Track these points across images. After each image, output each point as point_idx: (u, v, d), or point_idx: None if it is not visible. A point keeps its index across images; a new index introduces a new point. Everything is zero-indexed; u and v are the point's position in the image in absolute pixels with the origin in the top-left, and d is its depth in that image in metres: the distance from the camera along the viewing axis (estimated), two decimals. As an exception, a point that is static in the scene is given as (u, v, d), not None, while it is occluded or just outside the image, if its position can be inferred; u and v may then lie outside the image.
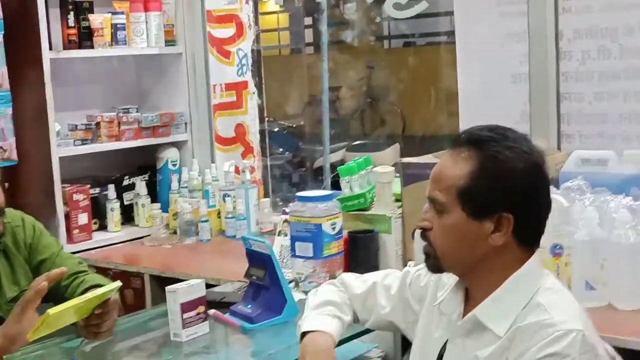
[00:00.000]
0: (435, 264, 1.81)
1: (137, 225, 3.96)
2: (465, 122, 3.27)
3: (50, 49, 3.57)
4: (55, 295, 2.49)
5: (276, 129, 7.54)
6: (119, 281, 2.26)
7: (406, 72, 8.76)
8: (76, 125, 3.77)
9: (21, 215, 2.59)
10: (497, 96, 3.14)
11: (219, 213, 3.83)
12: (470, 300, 1.83)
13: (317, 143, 7.03)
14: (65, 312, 2.06)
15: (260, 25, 7.36)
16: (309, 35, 10.09)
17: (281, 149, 7.41)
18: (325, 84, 5.01)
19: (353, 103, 9.20)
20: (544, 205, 1.78)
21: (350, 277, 2.17)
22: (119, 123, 3.87)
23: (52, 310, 2.01)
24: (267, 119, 4.78)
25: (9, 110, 3.49)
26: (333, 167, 6.65)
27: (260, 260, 2.43)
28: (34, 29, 3.48)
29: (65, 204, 3.62)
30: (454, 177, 1.74)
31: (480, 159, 1.73)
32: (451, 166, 1.75)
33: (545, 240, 2.28)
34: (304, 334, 1.97)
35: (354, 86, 9.07)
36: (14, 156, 3.53)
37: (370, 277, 2.14)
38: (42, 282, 2.04)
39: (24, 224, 2.56)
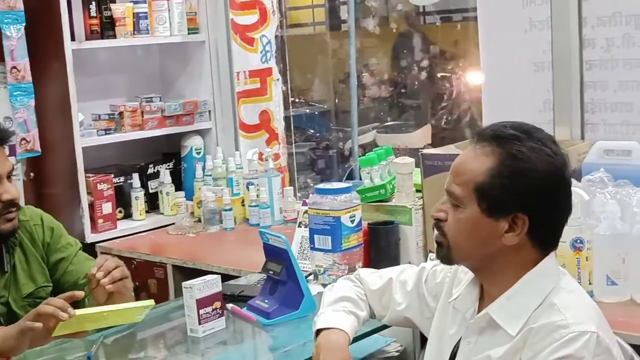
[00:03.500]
0: (446, 255, 1.80)
1: (162, 214, 3.98)
2: (488, 110, 3.23)
3: (73, 39, 3.58)
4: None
5: (306, 110, 7.51)
6: (152, 301, 2.25)
7: (437, 50, 8.66)
8: (99, 115, 3.78)
9: (40, 214, 2.60)
10: (520, 84, 3.09)
11: (242, 201, 3.84)
12: (485, 297, 1.82)
13: (347, 124, 6.99)
14: (90, 317, 2.09)
15: (290, 2, 7.32)
16: (344, 13, 9.98)
17: (311, 131, 7.38)
18: (353, 63, 4.96)
19: (383, 83, 9.14)
20: (563, 210, 1.75)
21: (366, 273, 2.17)
22: (142, 112, 3.88)
23: (79, 312, 2.04)
24: (294, 100, 4.75)
25: (32, 102, 3.51)
26: (364, 148, 6.64)
27: (277, 255, 2.42)
28: (55, 20, 3.48)
29: (89, 193, 3.64)
30: (472, 172, 1.72)
31: (500, 156, 1.70)
32: (471, 161, 1.73)
33: (566, 234, 2.26)
34: (319, 331, 1.97)
35: (384, 65, 8.99)
36: (38, 147, 3.56)
37: (387, 272, 2.13)
38: (37, 324, 2.00)
39: (42, 223, 2.57)
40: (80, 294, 2.11)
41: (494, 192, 1.69)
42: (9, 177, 2.35)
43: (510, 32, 3.10)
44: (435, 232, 1.81)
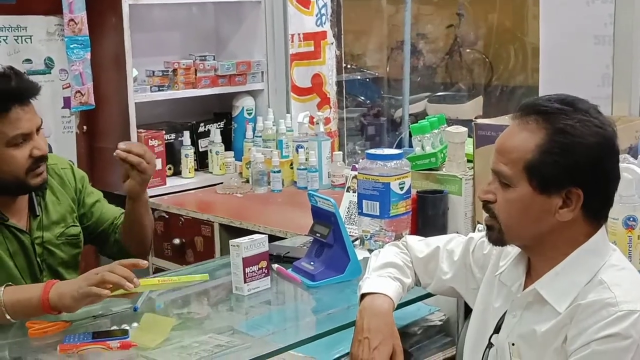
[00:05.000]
0: (498, 237, 1.77)
1: (211, 173, 4.01)
2: (546, 82, 3.17)
3: (130, -5, 3.60)
4: (101, 236, 2.63)
5: (358, 76, 7.47)
6: (207, 275, 2.30)
7: (496, 20, 8.54)
8: (153, 72, 3.80)
9: (69, 163, 2.65)
10: (579, 57, 3.02)
11: (291, 164, 3.84)
12: (532, 272, 1.80)
13: (398, 92, 6.95)
14: (148, 285, 2.16)
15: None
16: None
17: (361, 98, 7.35)
18: (407, 30, 4.91)
19: (439, 51, 9.04)
20: (613, 179, 1.72)
21: (414, 240, 2.15)
22: (195, 70, 3.89)
23: (143, 281, 2.09)
24: (347, 66, 4.73)
25: (88, 55, 3.54)
26: (414, 117, 6.60)
27: (325, 218, 2.42)
28: (113, -26, 3.51)
29: (140, 149, 3.67)
30: (521, 150, 1.68)
31: (549, 131, 1.66)
32: (518, 138, 1.70)
33: (619, 212, 2.22)
34: (363, 295, 1.97)
35: (440, 33, 8.90)
36: (92, 100, 3.59)
37: (434, 241, 2.12)
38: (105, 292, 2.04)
39: (72, 169, 2.61)
40: (144, 263, 2.13)
41: (545, 168, 1.66)
42: (38, 131, 2.36)
43: (572, 3, 3.03)
44: (485, 215, 1.79)
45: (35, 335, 2.04)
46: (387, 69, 7.90)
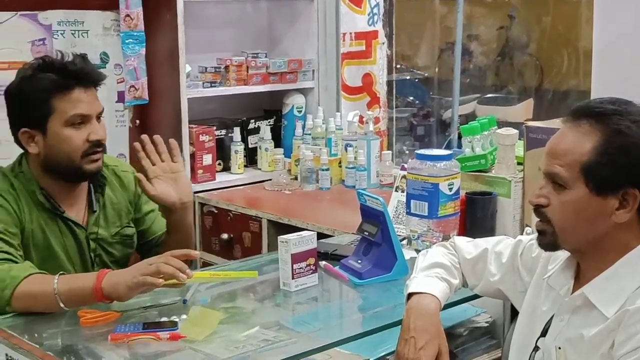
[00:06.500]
0: (550, 242, 1.76)
1: (260, 169, 4.05)
2: (598, 85, 3.13)
3: (185, -9, 3.64)
4: (145, 246, 2.65)
5: (407, 77, 7.46)
6: (256, 273, 2.34)
7: (549, 23, 8.47)
8: (206, 68, 3.85)
9: (131, 168, 2.66)
10: (634, 59, 2.99)
11: (340, 162, 3.86)
12: (580, 276, 1.79)
13: (447, 93, 6.92)
14: (199, 278, 2.21)
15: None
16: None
17: (411, 98, 7.34)
18: (459, 31, 4.89)
19: (490, 53, 8.99)
20: None
21: (462, 241, 2.15)
22: (247, 67, 3.93)
23: (195, 274, 2.13)
24: (397, 66, 4.73)
25: (143, 51, 3.59)
26: (464, 118, 6.57)
27: (373, 217, 2.43)
28: (169, -29, 3.56)
29: (191, 144, 3.72)
30: (576, 152, 1.68)
31: (604, 133, 1.66)
32: (573, 140, 1.69)
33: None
34: (410, 295, 1.97)
35: (492, 35, 8.84)
36: (146, 95, 3.65)
37: (482, 242, 2.12)
38: (159, 282, 2.06)
39: (133, 174, 2.64)
40: (195, 254, 2.16)
41: (602, 170, 1.66)
42: (98, 118, 2.39)
43: (628, 3, 2.99)
44: (537, 220, 1.78)
45: (87, 324, 2.07)
46: (437, 69, 7.87)
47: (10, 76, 3.17)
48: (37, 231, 2.37)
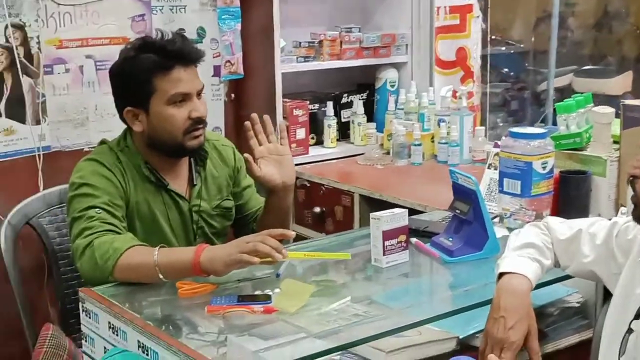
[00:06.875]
0: None
1: (352, 143, 4.07)
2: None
3: (279, -34, 3.66)
4: (240, 221, 2.71)
5: (503, 48, 7.35)
6: (349, 254, 2.38)
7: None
8: (300, 43, 3.88)
9: (232, 144, 2.73)
10: None
11: (432, 137, 3.85)
12: (677, 259, 1.77)
13: (543, 65, 6.79)
14: (294, 256, 2.25)
15: None
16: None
17: (505, 70, 7.23)
18: (556, 1, 4.80)
19: (588, 23, 8.76)
20: None
21: (555, 221, 2.15)
22: (341, 42, 3.94)
23: (291, 253, 2.19)
24: (492, 37, 4.67)
25: (238, 26, 3.65)
26: (559, 91, 6.45)
27: (465, 195, 2.43)
28: (263, -54, 3.58)
29: (285, 118, 3.76)
30: None
31: None
32: None
33: None
34: (501, 274, 1.98)
35: (590, 4, 8.62)
36: (241, 70, 3.71)
37: (576, 223, 2.11)
38: (255, 260, 2.10)
39: (234, 150, 2.70)
40: (292, 234, 2.21)
41: None
42: (198, 95, 2.45)
43: None
44: (631, 191, 1.77)
45: (184, 295, 2.14)
46: (533, 39, 7.73)
47: (110, 51, 3.30)
48: (142, 204, 2.45)
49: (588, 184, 2.73)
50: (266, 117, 2.54)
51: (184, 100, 2.40)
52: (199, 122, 2.43)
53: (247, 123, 2.52)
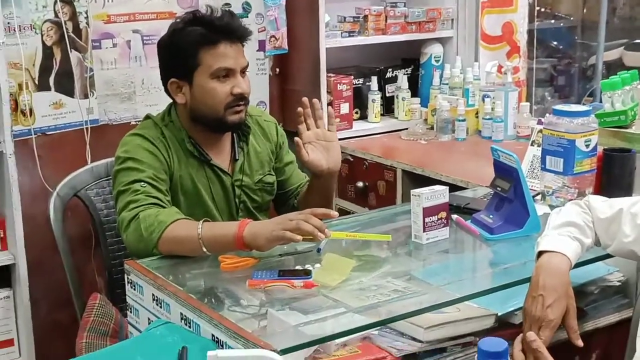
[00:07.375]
0: None
1: (396, 118, 4.07)
2: None
3: (326, -59, 3.66)
4: (281, 197, 2.74)
5: (551, 21, 7.25)
6: (390, 236, 2.38)
7: None
8: (344, 17, 3.88)
9: (274, 120, 2.76)
10: None
11: (477, 113, 3.84)
12: None
13: (593, 39, 6.69)
14: (336, 236, 2.28)
15: None
16: None
17: (554, 43, 7.13)
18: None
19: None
20: None
21: (596, 200, 2.14)
22: (385, 17, 3.93)
23: (334, 234, 2.22)
24: (540, 9, 4.61)
25: (283, 1, 3.66)
26: (609, 65, 6.35)
27: (507, 173, 2.43)
28: None
29: (329, 92, 3.78)
30: None
31: None
32: None
33: None
34: (541, 253, 1.98)
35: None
36: (285, 45, 3.73)
37: (618, 202, 2.09)
38: (298, 238, 2.11)
39: (276, 125, 2.73)
40: (335, 214, 2.22)
41: None
42: (242, 72, 2.47)
43: None
44: None
45: (226, 269, 2.18)
46: (584, 10, 7.60)
47: (158, 25, 3.33)
48: (186, 178, 2.50)
49: (632, 162, 2.70)
50: (315, 101, 2.55)
51: (227, 76, 2.44)
52: (240, 99, 2.46)
53: (300, 109, 2.53)
